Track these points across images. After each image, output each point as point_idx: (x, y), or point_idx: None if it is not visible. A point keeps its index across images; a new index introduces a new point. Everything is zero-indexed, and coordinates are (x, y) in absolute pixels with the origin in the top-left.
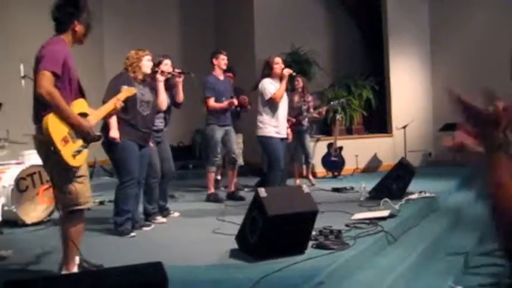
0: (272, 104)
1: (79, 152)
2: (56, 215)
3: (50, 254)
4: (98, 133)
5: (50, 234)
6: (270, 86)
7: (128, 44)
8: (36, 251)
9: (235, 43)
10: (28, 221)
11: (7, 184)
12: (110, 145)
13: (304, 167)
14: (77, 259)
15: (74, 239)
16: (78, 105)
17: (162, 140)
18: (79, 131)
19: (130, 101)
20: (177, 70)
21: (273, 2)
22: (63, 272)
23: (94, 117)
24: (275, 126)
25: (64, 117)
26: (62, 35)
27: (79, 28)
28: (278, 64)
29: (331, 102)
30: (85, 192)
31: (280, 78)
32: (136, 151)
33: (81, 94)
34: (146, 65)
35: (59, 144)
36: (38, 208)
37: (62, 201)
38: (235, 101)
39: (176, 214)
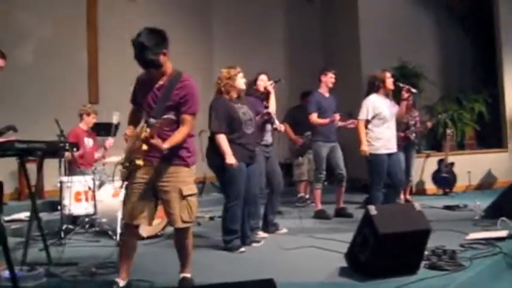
0: (378, 120)
1: (123, 168)
2: (170, 229)
3: (163, 266)
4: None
5: (163, 247)
6: (369, 107)
7: (236, 59)
8: (152, 263)
9: (341, 59)
10: (144, 234)
11: None
12: (221, 168)
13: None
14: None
15: (120, 249)
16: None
17: (270, 155)
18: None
19: (236, 122)
20: (270, 82)
21: (379, 16)
22: None
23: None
24: (383, 142)
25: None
26: None
27: None
28: (390, 79)
29: (439, 115)
30: (123, 207)
31: (387, 94)
32: (245, 171)
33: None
34: (240, 82)
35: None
36: (153, 222)
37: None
38: (337, 117)
39: (284, 230)
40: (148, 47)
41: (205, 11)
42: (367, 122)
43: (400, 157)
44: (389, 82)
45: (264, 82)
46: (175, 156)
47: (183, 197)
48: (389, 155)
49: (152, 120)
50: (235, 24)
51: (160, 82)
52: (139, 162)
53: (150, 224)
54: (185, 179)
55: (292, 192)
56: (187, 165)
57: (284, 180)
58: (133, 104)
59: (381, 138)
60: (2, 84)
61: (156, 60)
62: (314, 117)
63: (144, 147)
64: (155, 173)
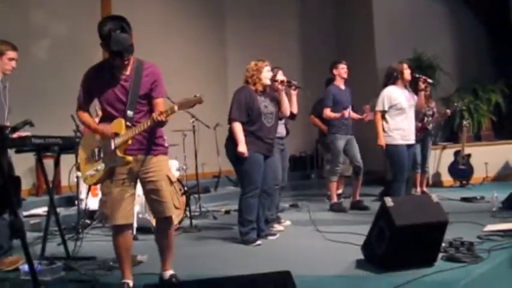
0: (395, 111)
1: (94, 172)
2: (187, 222)
3: (180, 259)
4: (121, 155)
5: (180, 240)
6: (385, 98)
7: (250, 51)
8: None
9: (356, 51)
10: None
11: (141, 193)
12: (237, 158)
13: (419, 175)
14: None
15: (116, 251)
16: (112, 126)
17: (284, 147)
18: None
19: (255, 113)
20: (294, 82)
21: (393, 7)
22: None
23: (125, 136)
24: (401, 132)
25: (88, 136)
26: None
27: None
28: (408, 70)
29: (455, 104)
30: (104, 209)
31: (405, 86)
32: (262, 163)
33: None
34: (266, 76)
35: (82, 163)
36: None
37: None
38: (347, 113)
39: (288, 222)
40: (128, 32)
41: (218, 8)
42: (384, 113)
43: (417, 149)
44: (407, 73)
45: (281, 78)
46: (156, 145)
47: (172, 183)
48: (408, 146)
49: (130, 113)
50: (248, 16)
51: (126, 72)
52: (129, 158)
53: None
54: (168, 166)
55: (305, 186)
56: (166, 153)
57: (299, 173)
58: (83, 106)
59: (399, 128)
60: (18, 81)
61: (132, 45)
62: (327, 111)
63: (130, 141)
64: (139, 165)
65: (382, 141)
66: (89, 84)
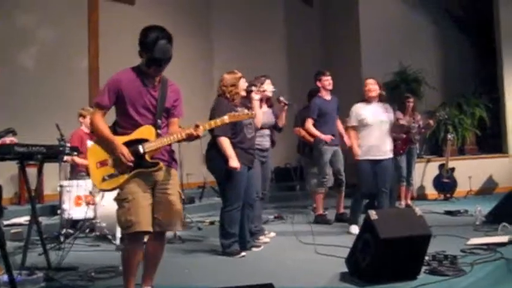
0: (362, 127)
1: (114, 176)
2: (170, 233)
3: (163, 271)
4: (152, 160)
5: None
6: (355, 114)
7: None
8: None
9: (342, 63)
10: None
11: None
12: (223, 171)
13: (403, 188)
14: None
15: (125, 262)
16: (141, 131)
17: (266, 160)
18: (115, 156)
19: (238, 125)
20: (282, 99)
21: (379, 20)
22: None
23: (156, 143)
24: (364, 148)
25: (102, 144)
26: (138, 65)
27: (142, 59)
28: (367, 86)
29: (437, 114)
30: (127, 215)
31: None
32: (245, 175)
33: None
34: (243, 87)
35: (93, 166)
36: None
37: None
38: (328, 139)
39: (272, 234)
40: (171, 44)
41: (205, 15)
42: (353, 128)
43: (402, 162)
44: (367, 90)
45: (269, 87)
46: (173, 159)
47: (181, 200)
48: (377, 161)
49: (159, 122)
50: (235, 27)
51: (155, 83)
52: (162, 164)
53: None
54: (178, 182)
55: (290, 198)
56: (176, 169)
57: (283, 184)
58: (104, 109)
59: (363, 145)
60: (3, 88)
61: (171, 58)
62: (309, 123)
63: (158, 150)
64: (161, 175)
65: (355, 153)
66: (121, 86)
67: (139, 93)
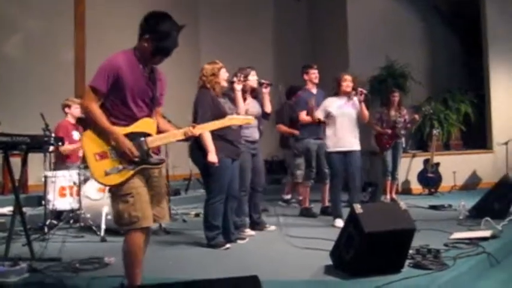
0: (330, 120)
1: (118, 170)
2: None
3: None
4: (158, 157)
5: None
6: (323, 107)
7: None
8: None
9: (330, 58)
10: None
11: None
12: (205, 165)
13: (389, 183)
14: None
15: (127, 258)
16: (141, 124)
17: (256, 152)
18: (117, 150)
19: (222, 116)
20: (263, 81)
21: (367, 16)
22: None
23: (157, 140)
24: (330, 140)
25: (99, 133)
26: (132, 48)
27: (147, 46)
28: (346, 82)
29: (423, 109)
30: (131, 211)
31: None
32: (229, 167)
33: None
34: (223, 77)
35: (91, 158)
36: None
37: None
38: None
39: (272, 227)
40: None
41: (192, 8)
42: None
43: (387, 156)
44: (344, 85)
45: (254, 78)
46: (159, 151)
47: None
48: (346, 153)
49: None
50: (223, 21)
51: (148, 71)
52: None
53: None
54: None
55: (278, 190)
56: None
57: (269, 177)
58: (100, 96)
59: (330, 136)
60: None
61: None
62: (302, 115)
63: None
64: (154, 169)
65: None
66: (121, 72)
67: (139, 81)
